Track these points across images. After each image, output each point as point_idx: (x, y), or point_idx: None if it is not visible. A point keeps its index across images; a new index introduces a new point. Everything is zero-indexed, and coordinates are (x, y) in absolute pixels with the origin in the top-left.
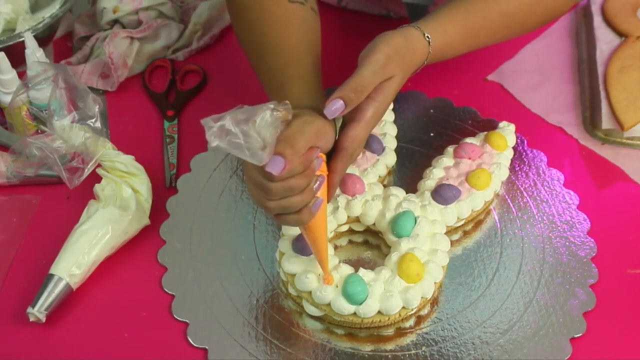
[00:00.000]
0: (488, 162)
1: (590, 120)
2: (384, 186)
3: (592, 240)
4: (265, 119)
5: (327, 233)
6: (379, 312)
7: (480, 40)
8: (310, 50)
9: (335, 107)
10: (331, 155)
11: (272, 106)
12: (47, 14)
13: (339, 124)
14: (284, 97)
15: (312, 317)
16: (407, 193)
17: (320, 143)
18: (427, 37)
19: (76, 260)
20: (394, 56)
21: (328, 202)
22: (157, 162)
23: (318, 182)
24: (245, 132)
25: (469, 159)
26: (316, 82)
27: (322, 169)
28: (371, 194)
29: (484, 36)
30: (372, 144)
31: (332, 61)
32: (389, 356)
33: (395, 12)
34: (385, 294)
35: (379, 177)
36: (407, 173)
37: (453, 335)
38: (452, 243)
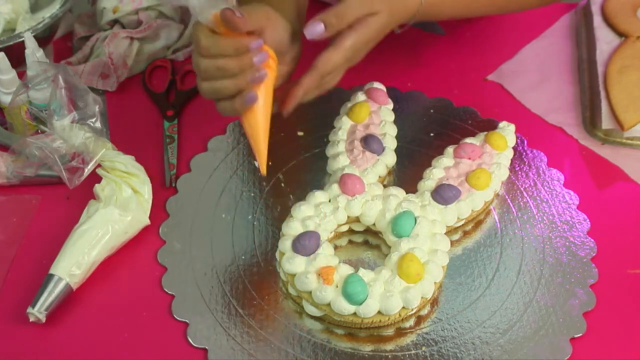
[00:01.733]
0: (488, 162)
1: (590, 120)
2: (384, 186)
3: (592, 240)
4: None
5: (267, 132)
6: (379, 312)
7: (477, 5)
8: None
9: (315, 28)
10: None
11: None
12: (47, 14)
13: (297, 50)
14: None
15: (312, 317)
16: (407, 193)
17: (267, 33)
18: None
19: (76, 260)
20: None
21: (283, 110)
22: (157, 162)
23: (258, 74)
24: None
25: (469, 159)
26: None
27: (268, 65)
28: (371, 194)
29: (481, 3)
30: (372, 144)
31: None
32: (389, 356)
33: None
34: (385, 294)
35: (379, 177)
36: (407, 173)
37: (453, 335)
38: (452, 243)
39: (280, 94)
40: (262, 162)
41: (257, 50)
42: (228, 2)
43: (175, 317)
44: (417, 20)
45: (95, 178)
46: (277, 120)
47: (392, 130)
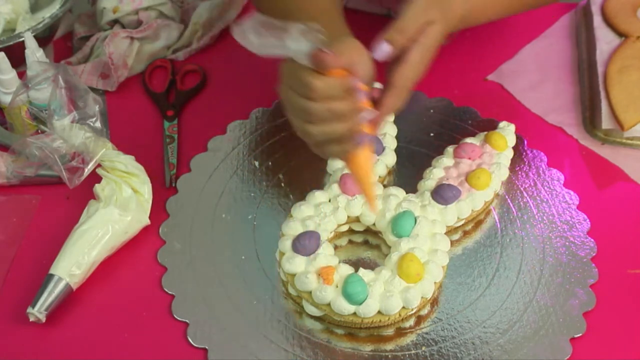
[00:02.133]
0: (488, 162)
1: (590, 120)
2: (384, 186)
3: (592, 240)
4: (299, 28)
5: (373, 172)
6: (379, 312)
7: (511, 3)
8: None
9: (382, 48)
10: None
11: (302, 26)
12: (47, 14)
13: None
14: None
15: (312, 317)
16: (407, 193)
17: (358, 67)
18: None
19: (76, 260)
20: (434, 3)
21: (374, 133)
22: (157, 162)
23: (366, 114)
24: (280, 33)
25: (469, 159)
26: (343, 21)
27: (367, 104)
28: None
29: (511, 4)
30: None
31: None
32: (389, 356)
33: (397, 11)
34: (385, 294)
35: (379, 177)
36: (407, 173)
37: (453, 335)
38: (452, 243)
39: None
40: (372, 200)
41: (361, 89)
42: (319, 39)
43: (175, 317)
44: (461, 27)
45: (95, 178)
46: (277, 121)
47: (392, 130)
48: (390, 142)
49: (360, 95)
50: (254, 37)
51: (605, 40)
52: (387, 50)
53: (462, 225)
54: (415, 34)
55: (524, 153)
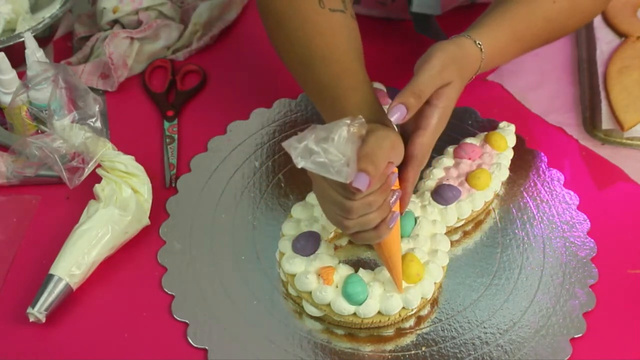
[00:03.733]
0: (488, 163)
1: (590, 121)
2: None
3: (592, 240)
4: (343, 135)
5: (400, 251)
6: (379, 312)
7: (526, 45)
8: (359, 59)
9: (399, 113)
10: (400, 166)
11: (348, 122)
12: (47, 14)
13: None
14: (340, 110)
15: (312, 317)
16: None
17: (393, 157)
18: (479, 44)
19: (76, 261)
20: (450, 62)
21: (401, 213)
22: (157, 162)
23: (395, 197)
24: (326, 149)
25: (469, 159)
26: (370, 92)
27: (395, 184)
28: None
29: (529, 41)
30: None
31: None
32: (389, 356)
33: (398, 16)
34: (385, 294)
35: None
36: None
37: (453, 335)
38: (452, 243)
39: None
40: (399, 282)
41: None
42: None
43: (175, 317)
44: (480, 72)
45: (95, 178)
46: (277, 121)
47: None
48: None
49: (394, 178)
50: (306, 161)
51: (605, 40)
52: (404, 114)
53: (462, 225)
54: (432, 97)
55: (524, 153)
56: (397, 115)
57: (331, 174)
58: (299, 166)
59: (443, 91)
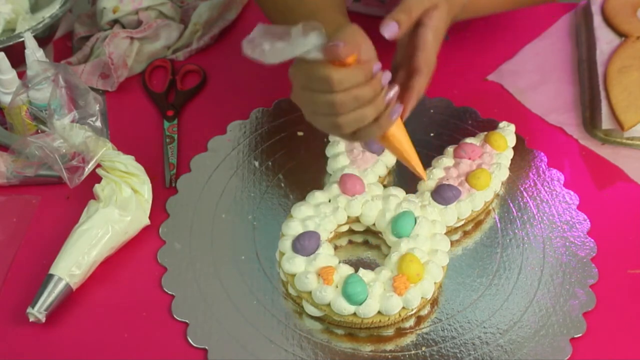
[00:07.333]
0: (488, 163)
1: (590, 120)
2: (384, 186)
3: (592, 240)
4: (299, 29)
5: (411, 143)
6: (379, 312)
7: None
8: (339, 5)
9: (392, 28)
10: (405, 80)
11: (300, 26)
12: (47, 14)
13: None
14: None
15: (312, 317)
16: (407, 193)
17: (363, 49)
18: None
19: (76, 260)
20: None
21: (405, 116)
22: (157, 162)
23: (392, 93)
24: (285, 37)
25: (469, 159)
26: (345, 14)
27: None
28: (371, 194)
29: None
30: (371, 145)
31: None
32: (389, 356)
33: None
34: (385, 294)
35: (379, 177)
36: (407, 173)
37: (453, 335)
38: (452, 243)
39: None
40: (420, 168)
41: (381, 71)
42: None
43: (175, 317)
44: (463, 17)
45: (95, 178)
46: (277, 121)
47: None
48: None
49: (387, 76)
50: (266, 45)
51: (605, 40)
52: (396, 30)
53: (462, 225)
54: (422, 16)
55: (524, 153)
56: (389, 31)
57: (299, 45)
58: (265, 59)
59: (431, 12)
